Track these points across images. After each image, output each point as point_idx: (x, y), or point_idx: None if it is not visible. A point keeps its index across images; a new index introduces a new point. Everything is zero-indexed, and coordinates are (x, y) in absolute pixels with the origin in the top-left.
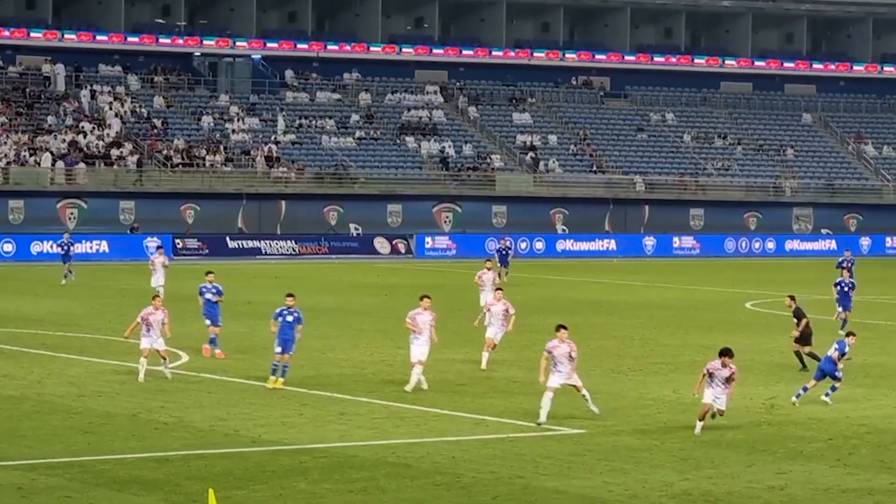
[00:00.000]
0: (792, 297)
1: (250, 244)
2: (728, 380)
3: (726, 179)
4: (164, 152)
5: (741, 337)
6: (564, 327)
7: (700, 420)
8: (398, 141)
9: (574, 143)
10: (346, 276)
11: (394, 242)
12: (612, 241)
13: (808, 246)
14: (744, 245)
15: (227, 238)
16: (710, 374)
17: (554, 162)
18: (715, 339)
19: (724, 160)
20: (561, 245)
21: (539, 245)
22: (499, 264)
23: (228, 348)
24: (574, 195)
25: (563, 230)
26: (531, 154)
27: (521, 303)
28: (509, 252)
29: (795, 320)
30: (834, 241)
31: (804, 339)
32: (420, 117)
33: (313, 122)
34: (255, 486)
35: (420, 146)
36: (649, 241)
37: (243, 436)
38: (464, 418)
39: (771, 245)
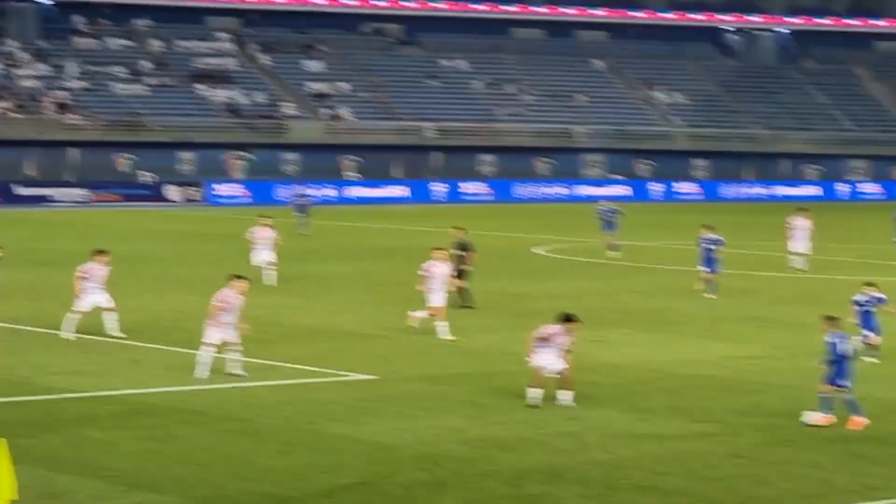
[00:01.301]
0: (458, 228)
1: (39, 191)
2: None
3: (518, 126)
4: None
5: (530, 282)
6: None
7: (533, 387)
8: (190, 88)
9: (366, 91)
10: (139, 223)
11: (186, 190)
12: (404, 188)
13: (599, 191)
14: (534, 190)
15: (15, 185)
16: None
17: (346, 109)
18: (504, 284)
19: (515, 106)
20: (351, 192)
21: (330, 192)
22: (296, 213)
23: (18, 296)
24: (366, 142)
25: (356, 177)
26: (329, 107)
27: (313, 250)
28: (308, 200)
29: (461, 252)
30: (630, 188)
31: (462, 273)
32: (212, 65)
33: (104, 69)
34: (46, 434)
35: (212, 94)
36: (439, 188)
37: (34, 384)
38: (255, 364)
39: (562, 190)
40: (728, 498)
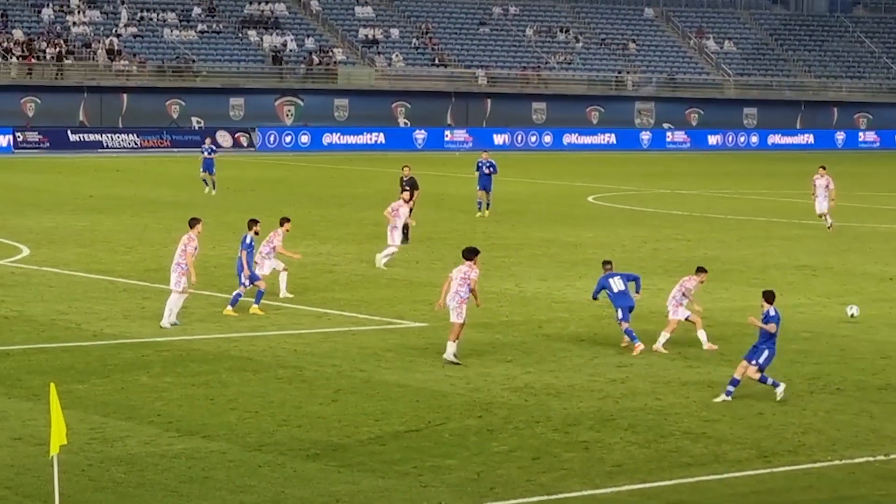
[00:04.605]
0: (406, 166)
1: (92, 137)
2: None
3: (568, 73)
4: (4, 45)
5: (583, 230)
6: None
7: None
8: (240, 34)
9: (416, 37)
10: (188, 169)
11: (236, 136)
12: (461, 134)
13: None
14: (586, 139)
15: (69, 131)
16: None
17: (397, 55)
18: (556, 232)
19: (566, 54)
20: (402, 137)
21: (380, 137)
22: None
23: (69, 242)
24: (416, 88)
25: (405, 123)
26: (379, 53)
27: (360, 196)
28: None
29: (409, 188)
30: (685, 134)
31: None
32: (262, 11)
33: (155, 15)
34: (96, 379)
35: (262, 39)
36: (495, 136)
37: (85, 330)
38: (305, 311)
39: (614, 139)
40: (777, 446)
